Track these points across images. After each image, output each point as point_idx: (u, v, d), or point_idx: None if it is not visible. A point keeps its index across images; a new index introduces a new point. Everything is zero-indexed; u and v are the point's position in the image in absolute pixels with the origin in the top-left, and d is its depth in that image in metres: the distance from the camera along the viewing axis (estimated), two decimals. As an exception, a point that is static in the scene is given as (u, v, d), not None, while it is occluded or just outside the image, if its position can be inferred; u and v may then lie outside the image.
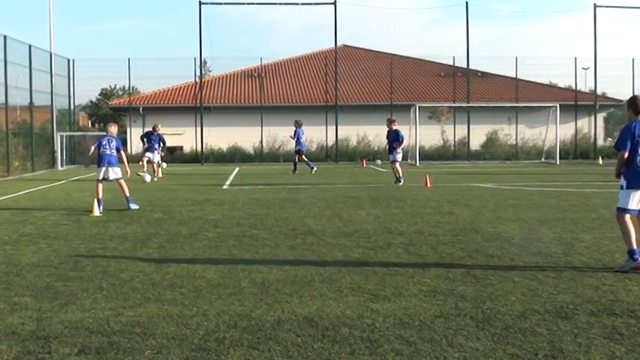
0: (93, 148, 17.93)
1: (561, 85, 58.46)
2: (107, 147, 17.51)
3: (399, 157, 25.65)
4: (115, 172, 17.49)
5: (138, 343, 6.26)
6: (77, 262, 10.26)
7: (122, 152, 17.99)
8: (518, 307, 7.39)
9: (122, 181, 17.59)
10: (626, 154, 9.57)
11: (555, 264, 9.83)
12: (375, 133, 47.96)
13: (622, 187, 9.74)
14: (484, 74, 55.04)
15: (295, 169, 32.89)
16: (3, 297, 8.10)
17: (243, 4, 47.78)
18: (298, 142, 32.65)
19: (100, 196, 17.04)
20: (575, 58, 50.06)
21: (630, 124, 9.70)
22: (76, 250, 11.45)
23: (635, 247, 9.39)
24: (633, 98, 9.93)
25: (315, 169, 32.24)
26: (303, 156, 33.04)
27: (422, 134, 42.79)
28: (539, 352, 5.96)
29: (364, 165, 40.67)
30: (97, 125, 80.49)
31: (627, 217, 9.54)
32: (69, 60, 45.69)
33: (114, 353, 6.00)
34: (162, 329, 6.67)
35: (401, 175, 25.19)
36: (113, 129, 18.25)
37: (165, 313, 7.25)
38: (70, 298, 7.98)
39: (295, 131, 32.68)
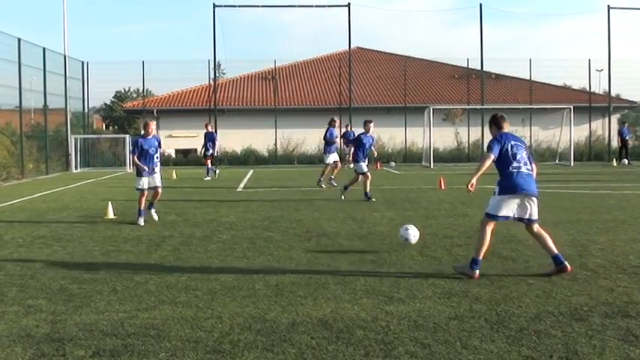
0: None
1: (575, 86, 58.29)
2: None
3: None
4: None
5: (152, 345, 6.28)
6: (91, 265, 10.30)
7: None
8: (532, 309, 7.38)
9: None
10: (491, 158, 9.50)
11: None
12: (389, 135, 47.92)
13: (494, 193, 9.57)
14: (498, 76, 54.93)
15: (209, 172, 31.61)
16: (17, 299, 8.13)
17: (257, 6, 47.97)
18: (214, 145, 31.73)
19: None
20: (589, 60, 49.90)
21: (499, 135, 9.81)
22: (90, 252, 11.49)
23: (481, 257, 9.24)
24: (493, 117, 10.16)
25: (208, 178, 30.84)
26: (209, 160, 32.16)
27: (436, 136, 42.63)
28: (553, 354, 5.95)
29: (378, 167, 40.60)
30: (111, 128, 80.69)
31: (492, 225, 9.44)
32: (83, 63, 45.76)
33: (128, 355, 6.02)
34: (177, 331, 6.69)
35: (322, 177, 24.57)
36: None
37: (179, 316, 7.27)
38: (84, 301, 8.01)
39: (211, 134, 31.74)
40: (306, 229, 13.87)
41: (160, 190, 15.84)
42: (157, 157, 15.69)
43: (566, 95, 53.08)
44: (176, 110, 52.15)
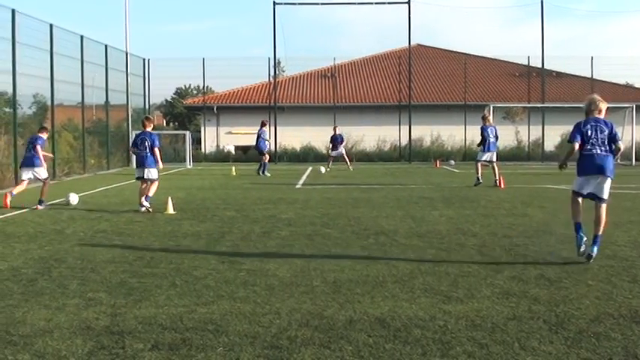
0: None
1: (638, 85, 57.47)
2: (142, 147, 17.34)
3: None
4: (150, 173, 17.40)
5: (210, 340, 6.33)
6: (151, 259, 10.40)
7: (156, 149, 17.31)
8: (592, 311, 7.29)
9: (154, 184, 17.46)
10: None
11: (630, 267, 9.67)
12: (449, 133, 47.71)
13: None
14: (559, 74, 54.33)
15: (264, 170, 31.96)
16: (78, 292, 8.24)
17: (317, 4, 47.81)
18: (263, 142, 32.27)
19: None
20: (652, 58, 49.15)
21: None
22: (150, 247, 11.61)
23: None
24: None
25: (266, 174, 31.43)
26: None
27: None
28: (613, 357, 5.88)
29: (437, 165, 40.45)
30: (171, 124, 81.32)
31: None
32: (144, 59, 46.23)
33: (186, 349, 6.07)
34: (235, 326, 6.73)
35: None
36: (149, 125, 17.81)
37: (237, 311, 7.31)
38: (143, 295, 8.09)
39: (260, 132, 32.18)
40: (364, 227, 13.85)
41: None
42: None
43: (629, 94, 52.25)
44: (236, 107, 52.41)
